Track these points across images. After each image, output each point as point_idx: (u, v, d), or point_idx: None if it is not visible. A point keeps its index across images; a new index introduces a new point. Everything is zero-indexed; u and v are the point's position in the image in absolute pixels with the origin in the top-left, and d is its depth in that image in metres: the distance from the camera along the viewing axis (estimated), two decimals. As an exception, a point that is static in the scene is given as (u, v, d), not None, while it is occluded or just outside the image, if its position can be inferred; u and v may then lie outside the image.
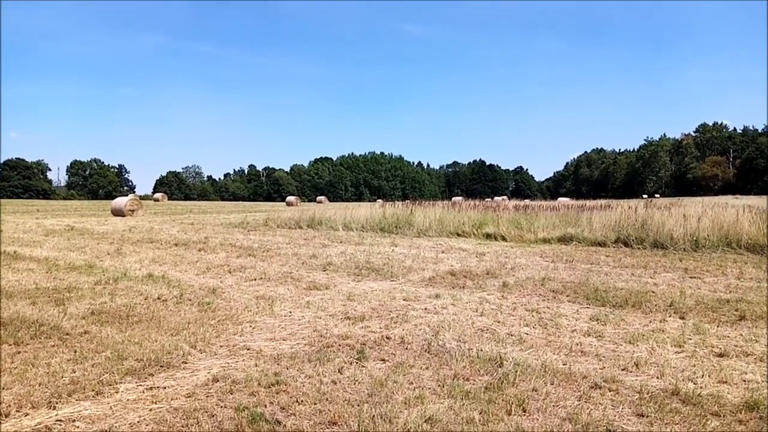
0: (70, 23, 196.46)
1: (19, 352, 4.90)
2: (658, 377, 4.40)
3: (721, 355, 4.98)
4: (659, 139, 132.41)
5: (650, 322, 6.21)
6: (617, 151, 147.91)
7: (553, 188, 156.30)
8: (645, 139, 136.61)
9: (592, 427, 3.43)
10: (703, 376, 4.43)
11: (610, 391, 4.07)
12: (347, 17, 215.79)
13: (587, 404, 3.81)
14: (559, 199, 52.82)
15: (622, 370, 4.58)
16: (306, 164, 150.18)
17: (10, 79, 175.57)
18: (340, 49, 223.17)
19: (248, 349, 5.10)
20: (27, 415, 3.58)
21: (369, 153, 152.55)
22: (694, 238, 13.56)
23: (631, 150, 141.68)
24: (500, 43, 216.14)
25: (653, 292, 7.88)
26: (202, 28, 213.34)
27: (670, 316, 6.47)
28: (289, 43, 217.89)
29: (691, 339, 5.49)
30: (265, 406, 3.72)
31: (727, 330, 5.84)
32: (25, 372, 4.36)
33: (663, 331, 5.81)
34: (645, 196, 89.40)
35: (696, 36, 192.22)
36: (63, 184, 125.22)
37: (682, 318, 6.38)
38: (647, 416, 3.63)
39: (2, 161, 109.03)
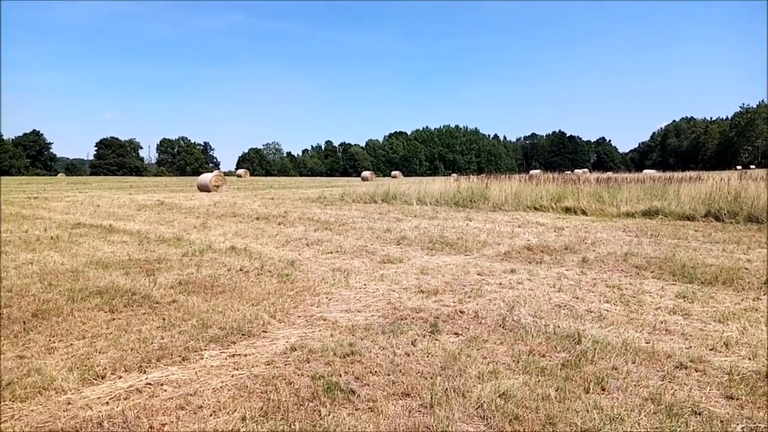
0: (152, 6, 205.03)
1: (114, 319, 5.26)
2: (750, 358, 4.14)
3: (823, 338, 4.61)
4: (756, 106, 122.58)
5: (742, 300, 5.84)
6: (709, 119, 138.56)
7: (639, 160, 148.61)
8: (740, 107, 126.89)
9: (676, 407, 3.28)
10: (802, 359, 4.13)
11: (696, 372, 3.88)
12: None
13: (671, 384, 3.64)
14: (645, 171, 50.31)
15: (711, 350, 4.35)
16: (381, 139, 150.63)
17: (101, 63, 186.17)
18: (414, 22, 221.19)
19: (324, 320, 5.23)
20: (120, 377, 3.85)
21: (444, 126, 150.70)
22: (795, 212, 12.56)
23: (725, 118, 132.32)
24: (579, 9, 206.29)
25: (746, 268, 7.39)
26: (278, 6, 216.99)
27: (764, 294, 6.06)
28: (363, 17, 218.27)
29: (789, 319, 5.12)
30: (340, 375, 3.81)
31: (831, 311, 5.40)
32: (119, 338, 4.68)
33: (756, 309, 5.45)
34: (739, 167, 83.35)
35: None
36: (153, 161, 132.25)
37: (779, 297, 5.96)
38: (737, 399, 3.43)
39: (99, 140, 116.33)
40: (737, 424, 3.10)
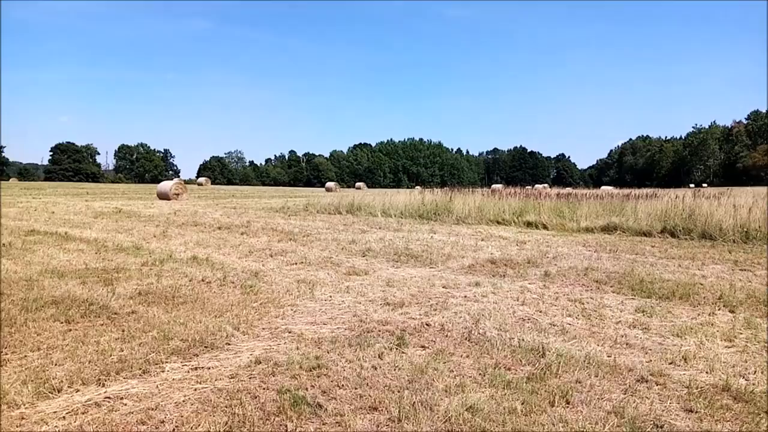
0: (117, 8, 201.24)
1: (70, 330, 5.08)
2: (707, 372, 4.26)
3: (775, 352, 4.78)
4: (709, 126, 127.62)
5: (698, 315, 6.02)
6: (664, 138, 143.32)
7: (596, 176, 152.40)
8: (693, 127, 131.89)
9: (638, 421, 3.35)
10: (755, 372, 4.28)
11: (657, 385, 3.97)
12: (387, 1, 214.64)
13: (633, 398, 3.72)
14: (603, 187, 51.65)
15: (670, 363, 4.46)
16: (345, 150, 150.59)
17: (60, 63, 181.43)
18: (380, 34, 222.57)
19: (290, 332, 5.16)
20: (78, 391, 3.71)
21: (408, 139, 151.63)
22: (745, 230, 13.06)
23: (679, 137, 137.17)
24: (543, 26, 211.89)
25: (701, 284, 7.63)
26: (243, 14, 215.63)
27: (719, 310, 6.25)
28: (330, 28, 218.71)
29: (741, 333, 5.30)
30: (307, 389, 3.76)
31: (781, 325, 5.61)
32: (76, 349, 4.52)
33: (712, 324, 5.62)
34: (692, 185, 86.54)
35: (746, 20, 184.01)
36: (111, 167, 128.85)
37: (732, 311, 6.16)
38: (697, 412, 3.52)
39: (54, 145, 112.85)
40: (697, 437, 3.18)
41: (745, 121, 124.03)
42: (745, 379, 4.11)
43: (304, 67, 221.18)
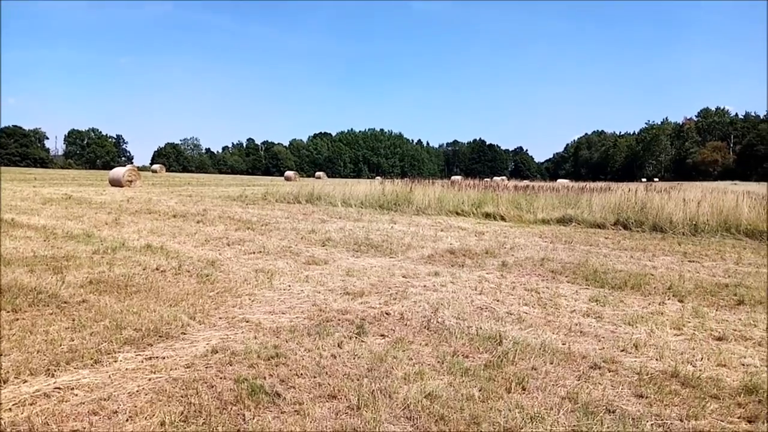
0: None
1: (18, 319, 4.88)
2: (657, 359, 4.40)
3: (720, 339, 4.98)
4: (660, 122, 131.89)
5: (649, 304, 6.21)
6: (618, 133, 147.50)
7: (553, 170, 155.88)
8: (646, 123, 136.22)
9: (591, 406, 3.43)
10: (702, 359, 4.44)
11: (609, 372, 4.07)
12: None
13: (587, 384, 3.81)
14: (559, 180, 52.72)
15: (622, 351, 4.58)
16: (305, 139, 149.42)
17: (9, 43, 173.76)
18: (341, 22, 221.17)
19: (247, 322, 5.09)
20: (26, 381, 3.57)
21: (368, 129, 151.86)
22: (694, 223, 13.56)
23: (632, 133, 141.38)
24: (503, 21, 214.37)
25: (652, 274, 7.88)
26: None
27: (669, 299, 6.47)
28: (290, 14, 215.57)
29: (690, 322, 5.49)
30: (265, 378, 3.71)
31: (725, 314, 5.85)
32: (24, 339, 4.34)
33: (662, 313, 5.81)
34: (644, 179, 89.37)
35: (700, 21, 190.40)
36: (60, 153, 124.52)
37: (681, 301, 6.38)
38: (647, 397, 3.63)
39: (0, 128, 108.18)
40: (647, 422, 3.28)
41: (695, 118, 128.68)
42: (693, 366, 4.27)
43: (264, 54, 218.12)
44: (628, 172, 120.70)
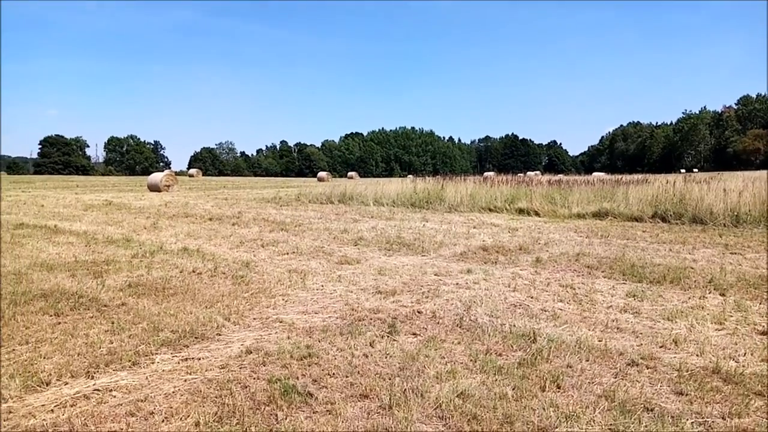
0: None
1: (59, 323, 5.03)
2: (697, 355, 4.28)
3: (764, 333, 4.81)
4: (698, 111, 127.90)
5: (689, 298, 6.05)
6: (654, 124, 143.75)
7: (588, 163, 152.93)
8: (683, 112, 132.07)
9: (629, 404, 3.35)
10: (745, 354, 4.30)
11: (647, 369, 3.98)
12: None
13: (624, 381, 3.73)
14: (594, 173, 51.68)
15: (660, 347, 4.47)
16: (337, 140, 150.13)
17: (47, 56, 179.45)
18: (370, 23, 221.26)
19: (281, 322, 5.14)
20: (66, 384, 3.68)
21: (399, 128, 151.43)
22: (735, 214, 13.13)
23: (669, 123, 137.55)
24: (535, 14, 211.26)
25: (692, 268, 7.66)
26: (230, 4, 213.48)
27: (710, 293, 6.28)
28: (320, 17, 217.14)
29: (732, 316, 5.32)
30: (297, 378, 3.74)
31: (771, 308, 5.65)
32: (65, 342, 4.48)
33: (702, 308, 5.64)
34: (683, 170, 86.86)
35: (741, 5, 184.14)
36: (101, 160, 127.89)
37: (722, 295, 6.19)
38: (687, 394, 3.53)
39: (43, 138, 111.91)
40: (687, 420, 3.19)
41: (735, 106, 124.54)
42: (735, 361, 4.13)
43: (295, 58, 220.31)
44: (665, 163, 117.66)
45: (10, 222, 13.31)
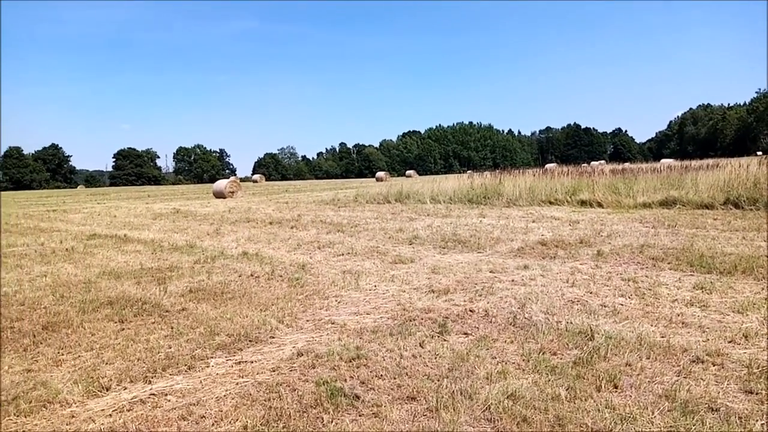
0: (165, 15, 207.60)
1: (123, 329, 5.25)
2: (771, 351, 3.99)
3: None
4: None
5: (762, 289, 5.66)
6: (726, 105, 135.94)
7: (656, 149, 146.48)
8: (756, 92, 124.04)
9: (691, 404, 3.16)
10: (825, 349, 3.97)
11: (713, 366, 3.74)
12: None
13: (687, 380, 3.52)
14: (663, 160, 49.49)
15: (729, 342, 4.20)
16: (394, 139, 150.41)
17: (116, 72, 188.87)
18: (421, 19, 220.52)
19: (333, 323, 5.17)
20: (125, 389, 3.82)
21: (457, 124, 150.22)
22: (819, 196, 12.23)
23: (742, 104, 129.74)
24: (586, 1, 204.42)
25: (766, 256, 7.17)
26: (284, 10, 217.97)
27: (788, 283, 5.86)
28: (370, 17, 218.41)
29: (811, 308, 4.94)
30: (345, 380, 3.74)
31: None
32: (126, 348, 4.66)
33: (778, 299, 5.27)
34: (759, 153, 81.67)
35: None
36: (171, 170, 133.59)
37: (801, 285, 5.77)
38: (757, 393, 3.29)
39: (116, 151, 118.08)
40: (756, 420, 2.98)
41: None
42: (814, 357, 3.83)
43: (349, 59, 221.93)
44: (741, 146, 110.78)
45: (83, 233, 14.06)
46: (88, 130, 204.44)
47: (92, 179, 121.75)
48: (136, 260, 9.26)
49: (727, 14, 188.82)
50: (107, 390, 3.79)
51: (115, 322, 5.48)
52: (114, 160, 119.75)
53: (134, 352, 4.55)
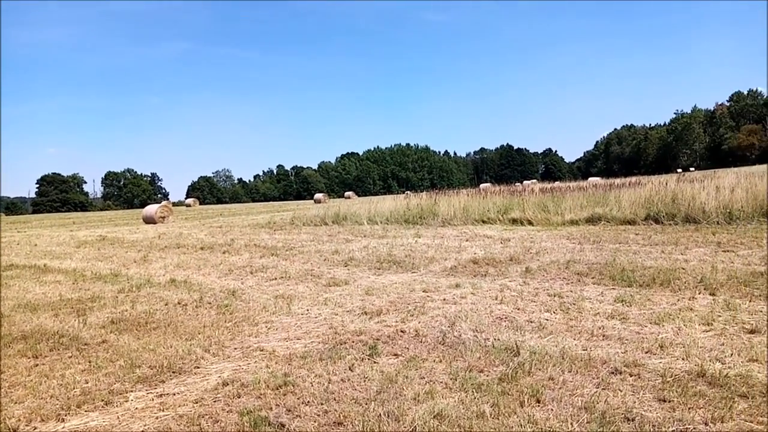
0: (96, 35, 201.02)
1: (37, 365, 4.94)
2: (683, 359, 4.18)
3: (752, 332, 4.72)
4: (691, 111, 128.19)
5: (678, 300, 5.95)
6: (648, 126, 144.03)
7: (584, 168, 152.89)
8: (675, 112, 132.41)
9: (609, 415, 3.26)
10: (731, 355, 4.20)
11: (631, 376, 3.88)
12: (364, 9, 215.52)
13: (605, 391, 3.63)
14: (590, 179, 51.68)
15: (646, 352, 4.38)
16: (333, 161, 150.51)
17: (42, 96, 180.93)
18: (360, 43, 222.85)
19: (261, 350, 5.05)
20: (35, 429, 3.58)
21: (395, 145, 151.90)
22: (728, 211, 13.07)
23: (662, 124, 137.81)
24: (521, 25, 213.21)
25: (683, 268, 7.57)
26: (223, 32, 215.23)
27: (699, 293, 6.19)
28: (308, 40, 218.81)
29: (720, 316, 5.23)
30: (271, 408, 3.64)
31: (760, 304, 5.56)
32: (39, 384, 4.39)
33: (691, 309, 5.55)
34: (679, 170, 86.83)
35: (721, 3, 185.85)
36: (99, 195, 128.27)
37: (712, 294, 6.10)
38: (669, 401, 3.43)
39: (40, 177, 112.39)
40: (668, 427, 3.09)
41: (727, 103, 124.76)
42: (721, 363, 4.04)
43: (286, 81, 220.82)
44: (662, 164, 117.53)
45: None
46: (9, 155, 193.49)
47: (13, 207, 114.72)
48: (56, 291, 8.78)
49: (647, 41, 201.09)
50: (15, 431, 3.54)
51: (29, 358, 5.16)
52: (37, 186, 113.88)
53: (47, 388, 4.28)
